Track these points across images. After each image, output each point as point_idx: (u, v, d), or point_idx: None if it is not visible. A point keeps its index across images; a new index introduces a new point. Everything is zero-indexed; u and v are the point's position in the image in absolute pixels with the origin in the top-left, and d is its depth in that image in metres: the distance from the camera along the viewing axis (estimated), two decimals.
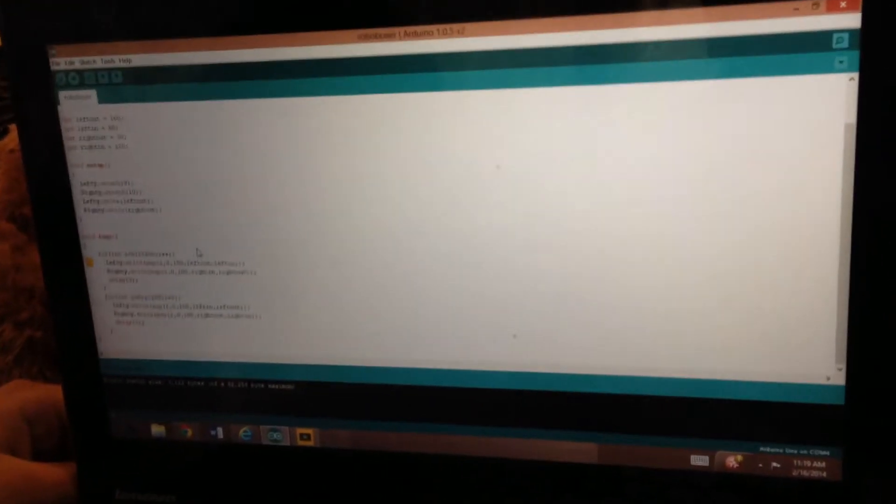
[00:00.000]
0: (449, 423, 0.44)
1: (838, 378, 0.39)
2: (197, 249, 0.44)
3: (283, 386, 0.45)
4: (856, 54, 0.35)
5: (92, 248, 0.45)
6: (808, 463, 0.40)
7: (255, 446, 0.46)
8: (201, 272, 0.44)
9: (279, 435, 0.46)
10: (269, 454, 0.46)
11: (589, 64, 0.38)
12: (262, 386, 0.45)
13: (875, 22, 0.35)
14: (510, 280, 0.41)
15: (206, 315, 0.45)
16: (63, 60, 0.43)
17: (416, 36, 0.39)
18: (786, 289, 0.38)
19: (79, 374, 0.47)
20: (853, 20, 0.35)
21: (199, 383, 0.46)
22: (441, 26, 0.39)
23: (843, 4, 0.35)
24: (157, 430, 0.47)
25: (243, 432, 0.46)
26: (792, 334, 0.39)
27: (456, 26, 0.39)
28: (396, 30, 0.39)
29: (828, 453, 0.40)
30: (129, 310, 0.46)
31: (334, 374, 0.44)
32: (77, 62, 0.43)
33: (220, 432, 0.47)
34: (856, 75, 0.35)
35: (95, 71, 0.43)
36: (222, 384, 0.46)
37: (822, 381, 0.39)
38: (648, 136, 0.38)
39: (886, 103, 0.35)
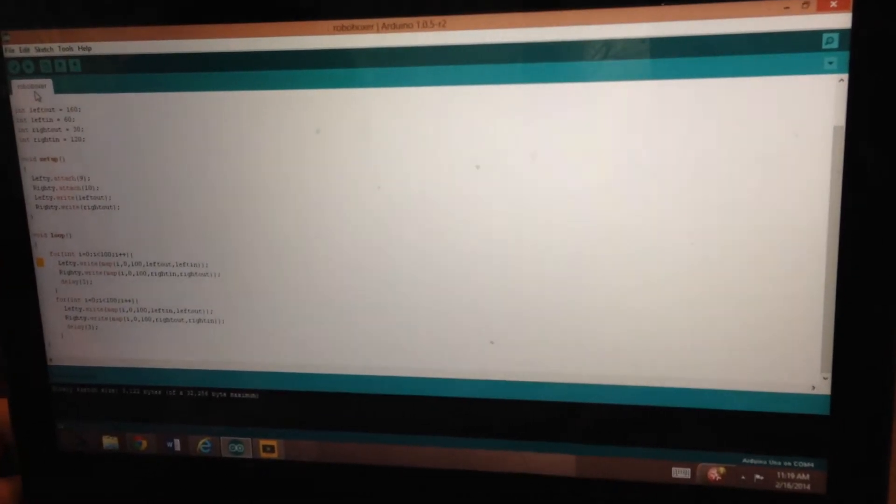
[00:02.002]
0: (421, 434, 0.42)
1: (823, 387, 0.38)
2: (157, 250, 0.42)
3: (246, 395, 0.43)
4: (846, 55, 0.35)
5: (43, 247, 0.43)
6: (791, 475, 0.39)
7: (214, 459, 0.44)
8: (161, 274, 0.42)
9: (241, 447, 0.44)
10: (229, 467, 0.44)
11: (575, 61, 0.36)
12: (224, 395, 0.43)
13: (866, 22, 0.34)
14: (488, 284, 0.39)
15: (166, 319, 0.42)
16: (17, 47, 0.40)
17: (395, 28, 0.38)
18: (771, 295, 0.37)
19: (25, 381, 0.44)
20: (843, 20, 0.34)
21: (155, 392, 0.44)
22: (421, 18, 0.37)
23: (833, 4, 0.34)
24: (109, 442, 0.45)
25: (202, 444, 0.44)
26: (776, 342, 0.38)
27: (437, 19, 0.37)
28: (374, 21, 0.38)
29: (812, 465, 0.39)
30: (81, 313, 0.43)
31: (301, 383, 0.42)
32: (32, 49, 0.40)
33: (177, 444, 0.44)
34: (845, 77, 0.35)
35: (52, 59, 0.40)
36: (181, 393, 0.43)
37: (807, 391, 0.38)
38: (632, 136, 0.37)
39: (876, 106, 0.35)
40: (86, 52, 0.40)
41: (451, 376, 0.41)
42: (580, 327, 0.39)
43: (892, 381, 0.37)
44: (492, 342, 0.40)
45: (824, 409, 0.38)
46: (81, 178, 0.41)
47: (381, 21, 0.38)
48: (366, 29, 0.38)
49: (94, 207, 0.42)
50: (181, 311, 0.42)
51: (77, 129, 0.41)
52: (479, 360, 0.40)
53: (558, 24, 0.36)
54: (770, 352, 0.38)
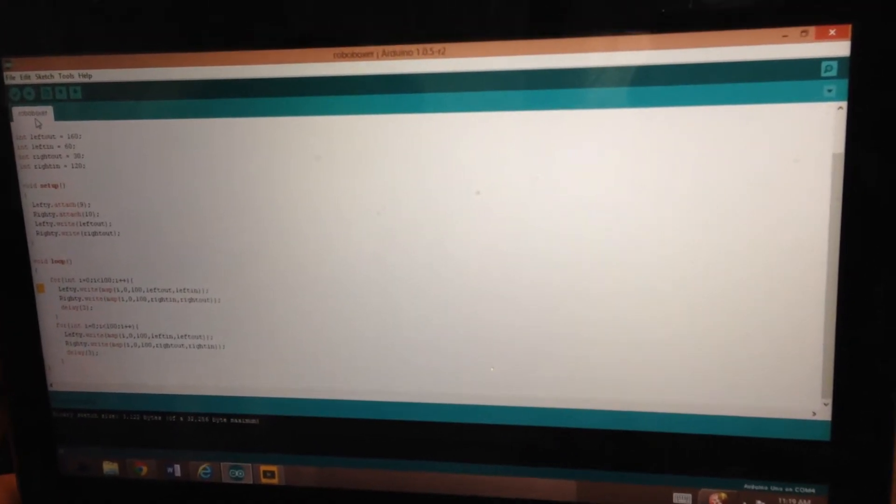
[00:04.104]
0: (421, 460, 0.42)
1: (824, 413, 0.38)
2: (157, 275, 0.42)
3: (247, 420, 0.43)
4: (844, 83, 0.35)
5: (44, 273, 0.43)
6: (793, 501, 0.39)
7: (215, 485, 0.44)
8: (161, 300, 0.42)
9: (241, 472, 0.44)
10: (230, 493, 0.44)
11: (574, 88, 0.37)
12: (224, 420, 0.43)
13: (864, 51, 0.34)
14: (488, 309, 0.39)
15: (166, 345, 0.42)
16: (18, 74, 0.41)
17: (395, 55, 0.38)
18: (771, 321, 0.37)
19: (26, 407, 0.44)
20: (842, 48, 0.35)
21: (155, 417, 0.44)
22: (421, 46, 0.37)
23: (832, 32, 0.34)
24: (109, 467, 0.45)
25: (202, 470, 0.44)
26: (777, 368, 0.38)
27: (437, 46, 0.37)
28: (374, 48, 0.38)
29: (813, 491, 0.39)
30: (82, 339, 0.43)
31: (301, 408, 0.42)
32: (33, 76, 0.40)
33: (177, 470, 0.44)
34: (844, 104, 0.35)
35: (53, 86, 0.40)
36: (181, 418, 0.43)
37: (808, 417, 0.38)
38: (634, 163, 0.37)
39: (875, 133, 0.35)
40: (86, 80, 0.40)
41: (451, 402, 0.41)
42: (580, 353, 0.39)
43: (893, 406, 0.37)
44: (492, 368, 0.40)
45: (825, 435, 0.38)
46: (82, 204, 0.41)
47: (381, 48, 0.38)
48: (366, 56, 0.38)
49: (94, 234, 0.42)
50: (181, 336, 0.42)
51: (77, 155, 0.41)
52: (479, 385, 0.40)
53: (558, 52, 0.36)
54: (770, 377, 0.38)
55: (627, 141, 0.37)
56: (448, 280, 0.39)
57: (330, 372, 0.41)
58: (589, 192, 0.38)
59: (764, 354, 0.38)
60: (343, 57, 0.38)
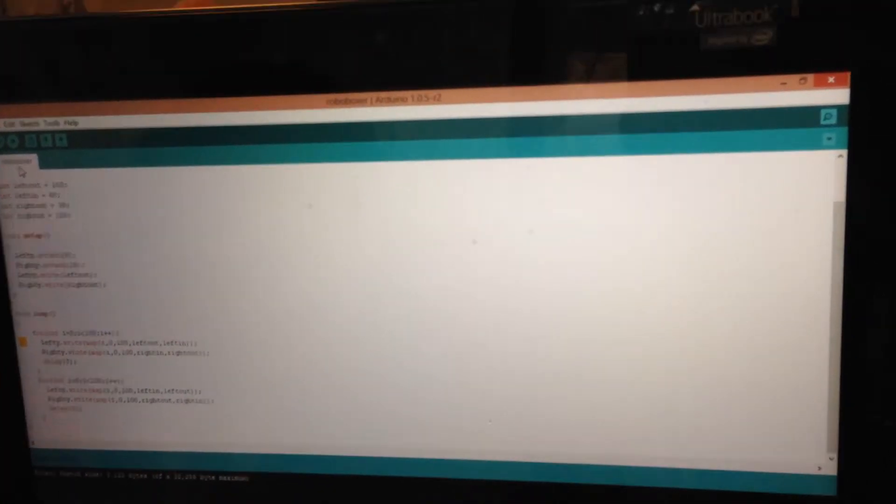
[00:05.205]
0: None
1: (830, 468, 0.37)
2: (144, 328, 0.41)
3: (237, 478, 0.42)
4: (844, 131, 0.34)
5: (26, 326, 0.41)
6: None
7: None
8: (148, 353, 0.41)
9: None
10: None
11: (574, 135, 0.36)
12: (213, 478, 0.42)
13: (864, 98, 0.34)
14: (486, 362, 0.39)
15: (153, 400, 0.41)
16: (2, 122, 0.40)
17: (389, 102, 0.37)
18: (774, 373, 0.37)
19: (6, 465, 0.43)
20: (842, 96, 0.34)
21: (141, 476, 0.42)
22: (416, 92, 0.37)
23: (831, 80, 0.34)
24: None
25: None
26: (781, 422, 0.37)
27: (432, 93, 0.37)
28: (368, 95, 0.37)
29: None
30: (65, 394, 0.42)
31: (293, 465, 0.41)
32: (17, 123, 0.40)
33: None
34: (844, 152, 0.35)
35: (38, 133, 0.40)
36: (168, 476, 0.42)
37: (813, 471, 0.37)
38: (633, 212, 0.36)
39: (876, 181, 0.35)
40: (72, 127, 0.39)
41: (448, 456, 0.40)
42: (580, 406, 0.38)
43: None
44: (490, 421, 0.39)
45: (831, 490, 0.37)
46: (66, 254, 0.40)
47: (375, 95, 0.37)
48: (360, 102, 0.37)
49: (78, 285, 0.41)
50: (168, 391, 0.41)
51: (62, 204, 0.40)
52: (478, 439, 0.39)
53: (555, 99, 0.36)
54: (775, 431, 0.37)
55: (626, 189, 0.36)
56: (444, 331, 0.39)
57: (322, 427, 0.40)
58: (587, 242, 0.37)
59: (768, 407, 0.37)
60: (336, 103, 0.37)
